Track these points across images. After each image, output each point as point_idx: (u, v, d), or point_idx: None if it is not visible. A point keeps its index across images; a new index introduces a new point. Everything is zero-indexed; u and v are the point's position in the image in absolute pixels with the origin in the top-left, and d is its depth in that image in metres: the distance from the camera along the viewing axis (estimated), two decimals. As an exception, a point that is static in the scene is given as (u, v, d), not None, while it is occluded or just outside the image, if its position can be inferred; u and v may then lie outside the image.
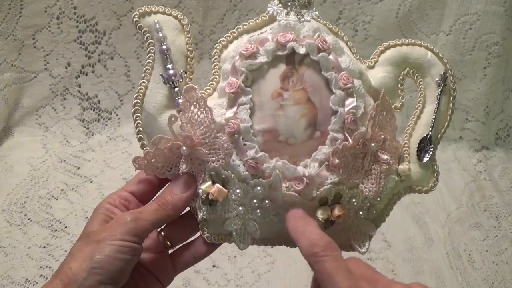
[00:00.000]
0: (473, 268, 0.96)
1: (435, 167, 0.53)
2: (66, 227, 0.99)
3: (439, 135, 0.53)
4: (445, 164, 1.20)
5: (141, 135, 0.51)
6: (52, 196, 1.06)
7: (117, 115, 1.22)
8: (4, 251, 0.94)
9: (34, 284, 0.89)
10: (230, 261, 0.94)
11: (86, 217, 1.01)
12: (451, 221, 1.06)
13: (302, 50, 0.49)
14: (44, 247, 0.96)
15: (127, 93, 1.21)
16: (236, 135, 0.48)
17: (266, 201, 0.48)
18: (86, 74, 1.19)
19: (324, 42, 0.49)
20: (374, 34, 1.17)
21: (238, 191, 0.48)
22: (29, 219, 1.01)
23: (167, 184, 0.51)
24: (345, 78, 0.49)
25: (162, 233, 0.53)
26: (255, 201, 0.48)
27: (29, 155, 1.14)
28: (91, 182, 1.10)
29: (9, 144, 1.17)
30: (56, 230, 0.99)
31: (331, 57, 0.49)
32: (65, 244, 0.96)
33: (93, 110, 1.21)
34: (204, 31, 1.16)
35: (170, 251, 0.54)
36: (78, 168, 1.13)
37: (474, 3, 1.13)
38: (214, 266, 0.92)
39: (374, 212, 0.52)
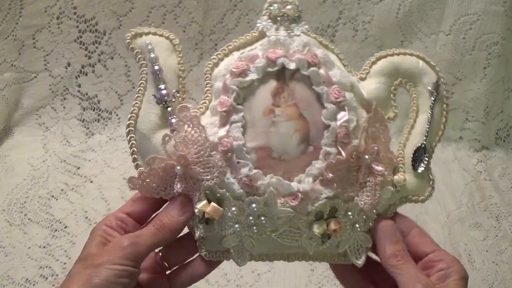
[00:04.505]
0: (473, 268, 0.96)
1: (430, 175, 0.53)
2: (66, 227, 0.99)
3: (434, 144, 0.53)
4: (445, 164, 1.20)
5: (135, 156, 0.50)
6: (52, 196, 1.06)
7: (117, 115, 1.22)
8: (4, 251, 0.94)
9: (34, 284, 0.89)
10: (230, 261, 0.93)
11: (86, 217, 1.01)
12: (451, 221, 1.06)
13: (292, 66, 0.49)
14: (44, 247, 0.96)
15: (127, 93, 1.21)
16: (229, 154, 0.48)
17: (262, 218, 0.48)
18: (86, 74, 1.19)
19: (314, 56, 0.49)
20: (374, 34, 1.17)
21: (233, 209, 0.48)
22: (29, 219, 1.01)
23: (164, 205, 0.51)
24: (336, 92, 0.49)
25: (160, 253, 0.53)
26: (251, 218, 0.48)
27: (29, 155, 1.14)
28: (91, 182, 1.10)
29: (9, 144, 1.17)
30: (56, 230, 0.99)
31: (321, 71, 0.49)
32: (65, 244, 0.96)
33: (93, 110, 1.21)
34: (204, 31, 1.16)
35: (168, 272, 0.54)
36: (78, 168, 1.13)
37: (474, 3, 1.13)
38: (214, 266, 0.92)
39: (371, 224, 0.51)
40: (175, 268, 0.54)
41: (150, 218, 0.52)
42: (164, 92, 0.50)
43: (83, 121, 1.21)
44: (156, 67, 0.50)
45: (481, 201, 1.11)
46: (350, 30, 1.16)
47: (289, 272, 0.93)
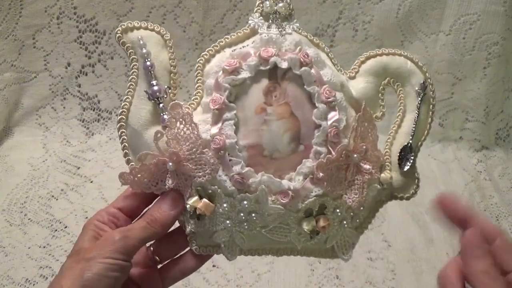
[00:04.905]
0: (473, 268, 0.96)
1: (416, 174, 0.54)
2: (66, 227, 0.99)
3: (419, 143, 0.53)
4: (445, 164, 1.20)
5: (127, 151, 0.50)
6: (52, 196, 1.06)
7: (117, 115, 1.21)
8: (4, 251, 0.94)
9: (34, 284, 0.89)
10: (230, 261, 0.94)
11: (86, 217, 1.01)
12: (451, 221, 1.06)
13: (284, 65, 0.49)
14: (44, 247, 0.96)
15: (127, 93, 1.21)
16: (222, 151, 0.48)
17: (253, 215, 0.49)
18: (86, 74, 1.19)
19: (306, 56, 0.49)
20: (374, 34, 1.17)
21: (225, 205, 0.49)
22: (29, 219, 1.01)
23: (155, 200, 0.52)
24: (327, 91, 0.49)
25: (151, 248, 0.54)
26: (241, 214, 0.49)
27: (29, 155, 1.14)
28: (91, 182, 1.10)
29: (9, 144, 1.17)
30: (56, 230, 0.99)
31: (313, 71, 0.49)
32: (65, 244, 0.96)
33: (93, 110, 1.21)
34: (204, 31, 1.16)
35: (159, 266, 0.55)
36: (78, 168, 1.13)
37: (474, 3, 1.13)
38: (214, 266, 0.92)
39: (358, 220, 0.53)
40: (166, 262, 0.55)
41: (141, 213, 0.52)
42: (156, 88, 0.49)
43: (83, 121, 1.21)
44: (148, 63, 0.50)
45: (481, 201, 1.11)
46: (350, 30, 1.16)
47: (289, 272, 0.92)
